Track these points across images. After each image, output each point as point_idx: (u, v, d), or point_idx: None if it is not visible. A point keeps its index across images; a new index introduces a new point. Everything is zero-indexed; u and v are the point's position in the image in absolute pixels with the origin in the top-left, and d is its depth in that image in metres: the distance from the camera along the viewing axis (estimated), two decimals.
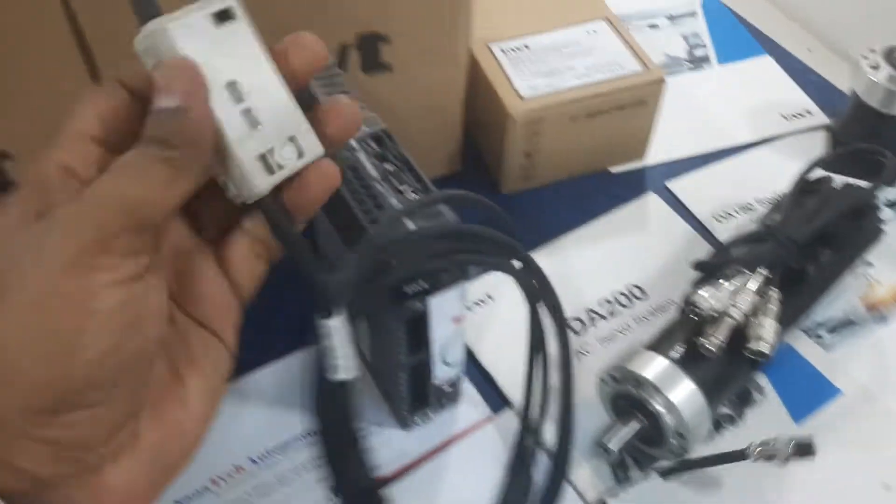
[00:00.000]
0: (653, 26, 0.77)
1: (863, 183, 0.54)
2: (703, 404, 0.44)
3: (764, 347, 0.44)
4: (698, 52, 0.75)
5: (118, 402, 0.25)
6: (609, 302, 0.55)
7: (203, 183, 0.27)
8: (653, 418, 0.44)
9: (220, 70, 0.26)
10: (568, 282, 0.56)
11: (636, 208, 0.61)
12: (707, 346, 0.44)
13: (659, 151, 0.65)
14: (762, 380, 0.51)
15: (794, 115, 0.68)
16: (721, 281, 0.45)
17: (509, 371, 0.51)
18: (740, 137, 0.67)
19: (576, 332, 0.53)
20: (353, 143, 0.43)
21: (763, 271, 0.46)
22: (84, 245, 0.24)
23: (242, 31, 0.27)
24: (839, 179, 0.55)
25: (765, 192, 0.62)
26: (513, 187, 0.61)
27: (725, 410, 0.48)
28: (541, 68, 0.59)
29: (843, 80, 0.70)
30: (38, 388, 0.24)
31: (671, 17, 0.78)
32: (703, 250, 0.58)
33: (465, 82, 0.57)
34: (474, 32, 0.54)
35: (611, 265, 0.57)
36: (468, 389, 0.50)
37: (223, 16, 0.26)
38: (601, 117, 0.59)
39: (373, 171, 0.42)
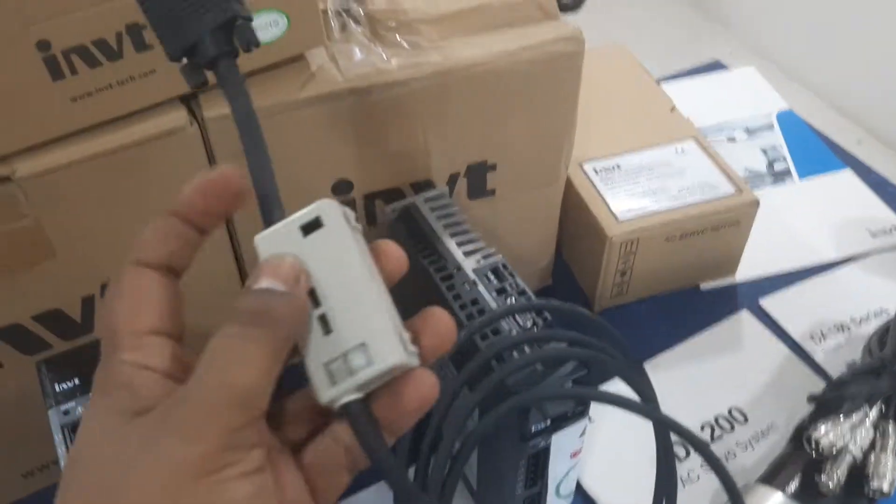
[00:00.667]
0: (731, 139, 0.79)
1: None
2: None
3: (885, 486, 0.44)
4: (778, 167, 0.76)
5: None
6: (711, 426, 0.55)
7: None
8: None
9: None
10: (665, 404, 0.56)
11: (730, 327, 0.61)
12: (827, 483, 0.43)
13: (748, 267, 0.65)
14: None
15: (881, 232, 0.69)
16: (838, 416, 0.45)
17: (613, 495, 0.50)
18: (829, 254, 0.67)
19: (679, 459, 0.53)
20: (473, 275, 0.45)
21: (879, 405, 0.46)
22: (211, 448, 0.23)
23: (334, 237, 0.26)
24: None
25: (859, 311, 0.62)
26: (605, 304, 0.62)
27: None
28: (634, 189, 0.61)
29: None
30: None
31: (748, 130, 0.79)
32: (802, 373, 0.58)
33: (560, 200, 0.59)
34: None
35: (708, 386, 0.57)
36: None
37: (314, 225, 0.26)
38: (695, 238, 0.60)
39: (493, 304, 0.43)
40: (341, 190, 0.49)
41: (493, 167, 0.53)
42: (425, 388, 0.26)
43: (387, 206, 0.50)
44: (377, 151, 0.49)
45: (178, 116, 0.42)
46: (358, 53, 0.46)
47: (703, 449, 0.39)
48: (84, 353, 0.42)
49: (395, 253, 0.28)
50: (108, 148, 0.40)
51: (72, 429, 0.37)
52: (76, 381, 0.39)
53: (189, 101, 0.42)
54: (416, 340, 0.26)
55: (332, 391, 0.25)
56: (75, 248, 0.43)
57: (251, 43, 0.29)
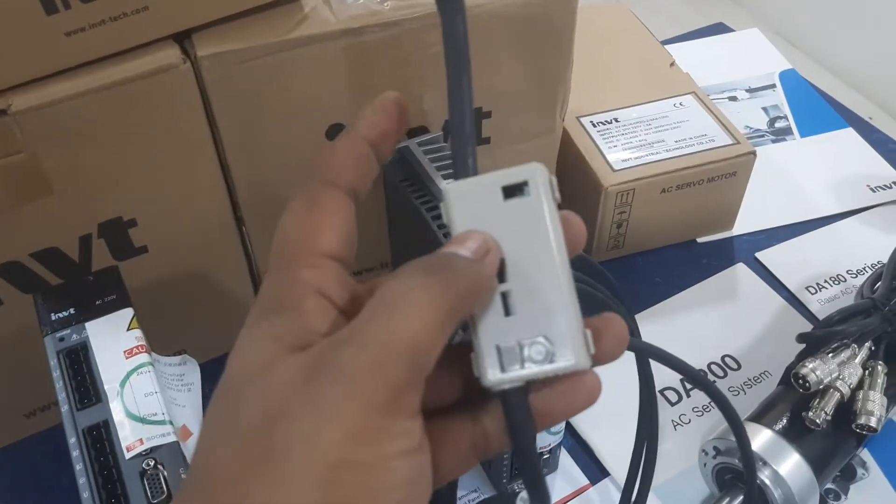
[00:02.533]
0: (732, 98, 0.78)
1: None
2: (811, 477, 0.43)
3: (872, 421, 0.44)
4: (780, 124, 0.75)
5: None
6: (703, 372, 0.55)
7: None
8: (759, 492, 0.43)
9: None
10: None
11: (726, 278, 0.61)
12: (814, 419, 0.44)
13: (745, 222, 0.65)
14: (866, 456, 0.50)
15: (881, 187, 0.68)
16: (827, 354, 0.45)
17: (607, 440, 0.51)
18: (827, 209, 0.67)
19: (671, 403, 0.53)
20: None
21: (867, 345, 0.46)
22: (375, 404, 0.20)
23: (535, 210, 0.24)
24: None
25: (856, 264, 0.62)
26: (601, 257, 0.62)
27: (830, 486, 0.48)
28: (631, 141, 0.61)
29: None
30: None
31: (750, 90, 0.79)
32: (796, 321, 0.58)
33: (556, 152, 0.59)
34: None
35: (703, 335, 0.57)
36: (564, 459, 0.50)
37: (517, 189, 0.24)
38: (691, 189, 0.60)
39: None
40: (335, 134, 0.49)
41: (489, 114, 0.53)
42: (591, 393, 0.24)
43: None
44: (371, 95, 0.48)
45: (171, 54, 0.42)
46: None
47: (693, 375, 0.40)
48: (79, 285, 0.43)
49: (577, 226, 0.25)
50: (103, 83, 0.41)
51: (67, 354, 0.38)
52: (72, 310, 0.40)
53: (182, 41, 0.43)
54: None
55: (499, 376, 0.23)
56: (72, 185, 0.43)
57: None
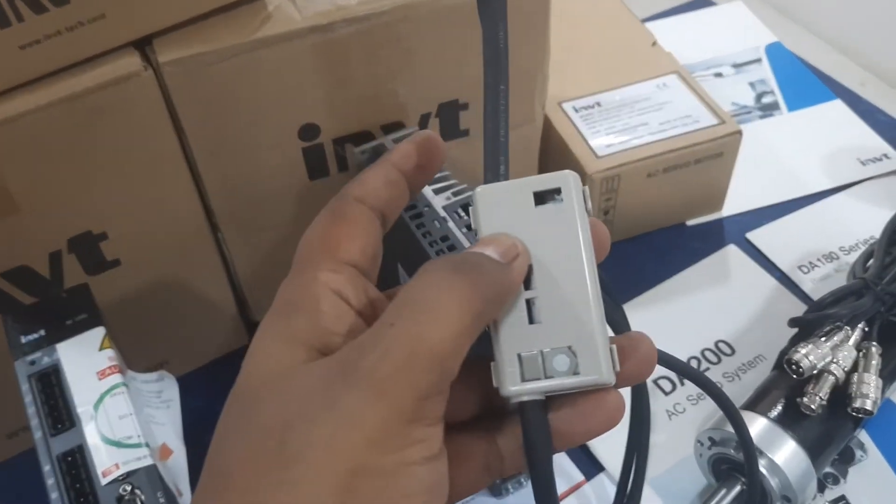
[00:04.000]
0: (718, 75, 0.77)
1: None
2: (808, 464, 0.43)
3: (867, 404, 0.43)
4: (767, 100, 0.74)
5: None
6: (697, 359, 0.54)
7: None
8: (756, 481, 0.43)
9: None
10: (653, 340, 0.55)
11: (717, 261, 0.60)
12: (809, 404, 0.43)
13: (735, 202, 0.64)
14: (864, 438, 0.49)
15: (872, 160, 0.67)
16: (820, 338, 0.44)
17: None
18: (817, 185, 0.66)
19: (665, 393, 0.52)
20: (443, 212, 0.44)
21: (861, 326, 0.45)
22: (398, 412, 0.20)
23: (567, 218, 0.23)
24: None
25: (848, 240, 0.61)
26: None
27: (829, 470, 0.47)
28: (614, 125, 0.59)
29: None
30: None
31: (736, 66, 0.78)
32: (789, 302, 0.57)
33: (539, 141, 0.58)
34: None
35: (695, 321, 0.56)
36: (558, 456, 0.50)
37: (548, 195, 0.24)
38: (678, 171, 0.59)
39: (465, 241, 0.42)
40: (308, 135, 0.48)
41: (466, 106, 0.52)
42: (614, 413, 0.24)
43: (356, 147, 0.49)
44: (344, 93, 0.48)
45: (132, 62, 0.41)
46: None
47: (685, 369, 0.39)
48: (49, 304, 0.42)
49: (603, 233, 0.25)
50: (63, 96, 0.40)
51: (38, 378, 0.37)
52: (42, 332, 0.39)
53: (143, 47, 0.42)
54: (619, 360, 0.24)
55: (519, 385, 0.23)
56: (38, 201, 0.42)
57: None
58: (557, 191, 0.24)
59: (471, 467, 0.24)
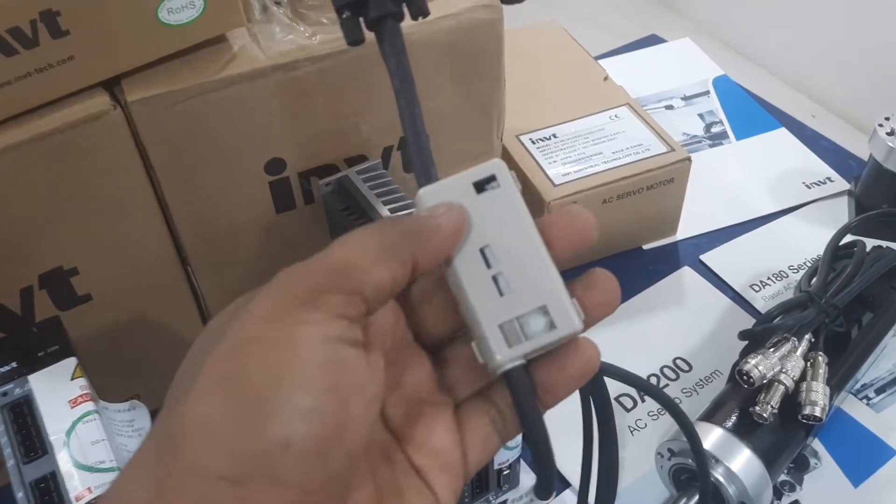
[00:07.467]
0: (669, 107, 0.80)
1: (893, 245, 0.55)
2: (763, 471, 0.44)
3: (817, 411, 0.45)
4: (715, 129, 0.77)
5: (309, 494, 0.22)
6: (656, 376, 0.56)
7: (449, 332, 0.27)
8: (714, 489, 0.44)
9: (473, 235, 0.26)
10: (613, 359, 0.57)
11: (673, 282, 0.63)
12: (761, 413, 0.45)
13: (689, 226, 0.67)
14: (818, 446, 0.51)
15: (816, 183, 0.71)
16: (769, 349, 0.47)
17: (566, 451, 0.51)
18: (766, 208, 0.69)
19: (626, 409, 0.54)
20: None
21: (808, 337, 0.48)
22: (291, 297, 0.23)
23: (505, 196, 0.26)
24: (869, 243, 0.57)
25: (797, 259, 0.63)
26: None
27: (785, 478, 0.49)
28: (570, 155, 0.62)
29: (851, 145, 0.74)
30: (230, 452, 0.21)
31: (686, 98, 0.81)
32: (743, 319, 0.59)
33: None
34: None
35: (654, 340, 0.58)
36: (525, 475, 0.51)
37: (486, 182, 0.26)
38: (632, 197, 0.61)
39: None
40: (275, 169, 0.50)
41: (427, 138, 0.54)
42: (590, 358, 0.26)
43: (321, 180, 0.51)
44: (308, 128, 0.49)
45: (101, 101, 0.42)
46: (279, 32, 0.47)
47: (639, 383, 0.41)
48: (21, 338, 0.42)
49: (588, 220, 0.27)
50: (33, 135, 0.41)
51: (11, 409, 0.37)
52: (14, 364, 0.39)
53: (112, 87, 0.43)
54: (581, 302, 0.25)
55: (507, 352, 0.25)
56: (8, 239, 0.43)
57: (422, 13, 0.28)
58: (493, 178, 0.26)
59: (481, 430, 0.27)
